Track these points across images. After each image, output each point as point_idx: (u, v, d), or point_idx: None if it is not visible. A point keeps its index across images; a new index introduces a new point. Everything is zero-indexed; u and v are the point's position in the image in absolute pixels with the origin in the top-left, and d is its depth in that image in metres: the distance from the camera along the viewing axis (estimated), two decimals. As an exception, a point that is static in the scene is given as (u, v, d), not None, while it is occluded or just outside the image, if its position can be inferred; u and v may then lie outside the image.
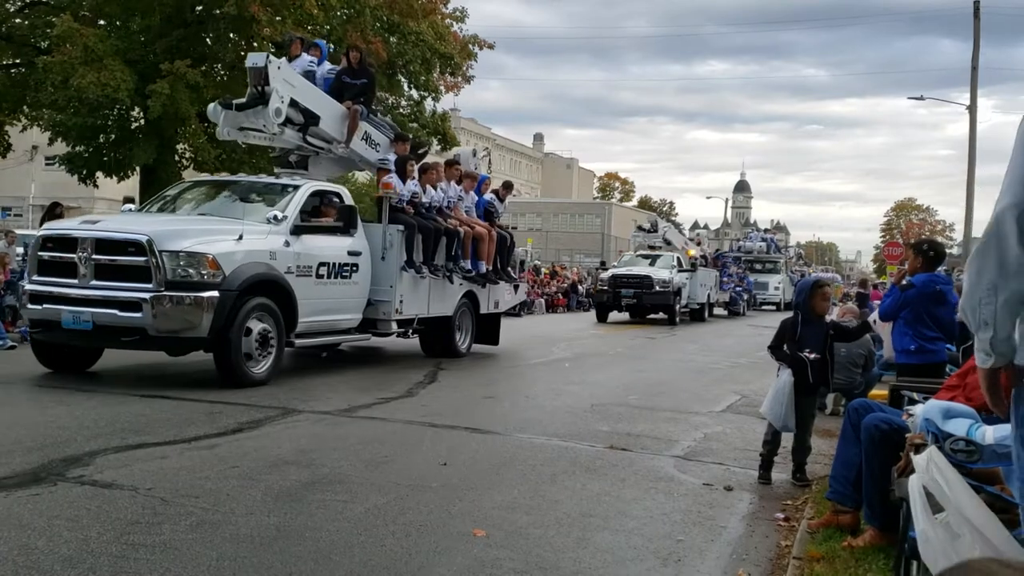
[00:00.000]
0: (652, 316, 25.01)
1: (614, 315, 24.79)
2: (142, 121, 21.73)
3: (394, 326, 11.38)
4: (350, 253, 10.59)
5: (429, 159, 13.83)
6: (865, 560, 4.11)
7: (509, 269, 14.17)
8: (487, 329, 13.86)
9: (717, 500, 5.54)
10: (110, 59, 19.52)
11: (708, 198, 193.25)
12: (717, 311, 30.64)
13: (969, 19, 27.83)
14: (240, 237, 8.89)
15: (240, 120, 10.81)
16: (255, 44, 20.15)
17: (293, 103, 10.69)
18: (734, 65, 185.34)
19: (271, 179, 11.31)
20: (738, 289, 33.53)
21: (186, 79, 19.63)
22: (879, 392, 8.24)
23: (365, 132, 11.86)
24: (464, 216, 12.95)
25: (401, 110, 24.28)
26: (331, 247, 10.32)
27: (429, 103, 25.45)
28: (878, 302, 18.42)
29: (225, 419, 7.08)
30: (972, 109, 27.77)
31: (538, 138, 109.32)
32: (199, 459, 5.72)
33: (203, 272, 8.50)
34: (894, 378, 9.00)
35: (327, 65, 12.27)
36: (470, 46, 24.75)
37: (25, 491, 4.77)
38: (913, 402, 4.33)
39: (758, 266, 40.95)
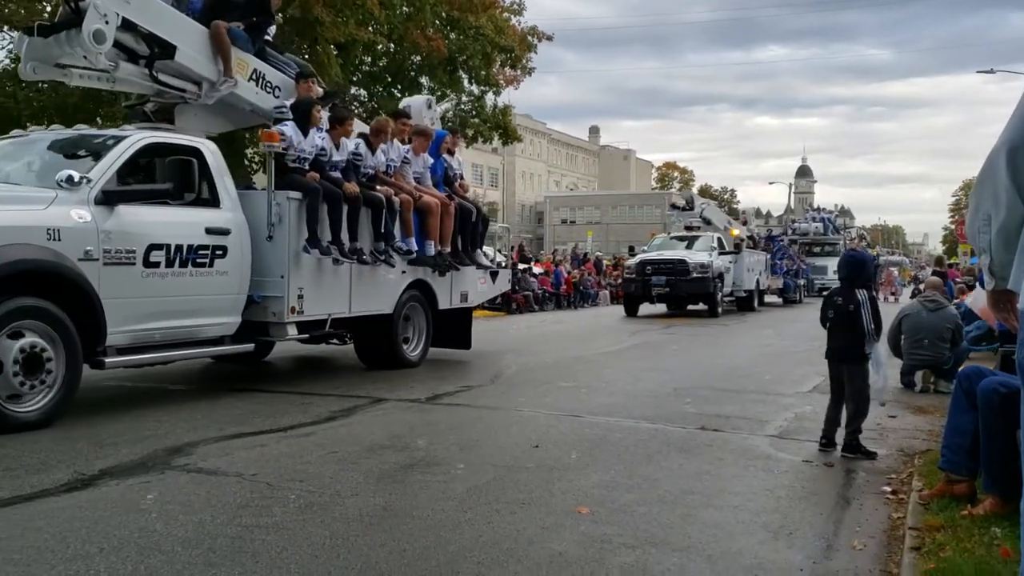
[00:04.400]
0: (691, 307, 21.61)
1: (646, 307, 21.57)
2: (211, 129, 22.15)
3: (292, 330, 8.27)
4: (209, 231, 7.55)
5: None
6: (988, 528, 3.98)
7: (480, 252, 11.03)
8: (453, 328, 10.83)
9: (819, 475, 5.44)
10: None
11: (770, 184, 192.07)
12: (769, 299, 27.53)
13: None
14: None
15: (53, 52, 7.65)
16: (318, 47, 20.39)
17: (129, 26, 7.67)
18: (794, 49, 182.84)
19: (107, 132, 8.06)
20: (789, 273, 30.16)
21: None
22: (971, 367, 8.01)
23: (255, 71, 8.77)
24: (410, 184, 9.87)
25: (462, 105, 24.41)
26: (174, 223, 7.29)
27: (490, 97, 25.56)
28: (956, 281, 17.99)
29: (317, 408, 7.19)
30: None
31: (594, 131, 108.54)
32: (297, 446, 5.81)
33: None
34: (991, 352, 8.77)
35: None
36: (529, 38, 24.79)
37: (136, 479, 4.89)
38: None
39: (816, 249, 37.29)
